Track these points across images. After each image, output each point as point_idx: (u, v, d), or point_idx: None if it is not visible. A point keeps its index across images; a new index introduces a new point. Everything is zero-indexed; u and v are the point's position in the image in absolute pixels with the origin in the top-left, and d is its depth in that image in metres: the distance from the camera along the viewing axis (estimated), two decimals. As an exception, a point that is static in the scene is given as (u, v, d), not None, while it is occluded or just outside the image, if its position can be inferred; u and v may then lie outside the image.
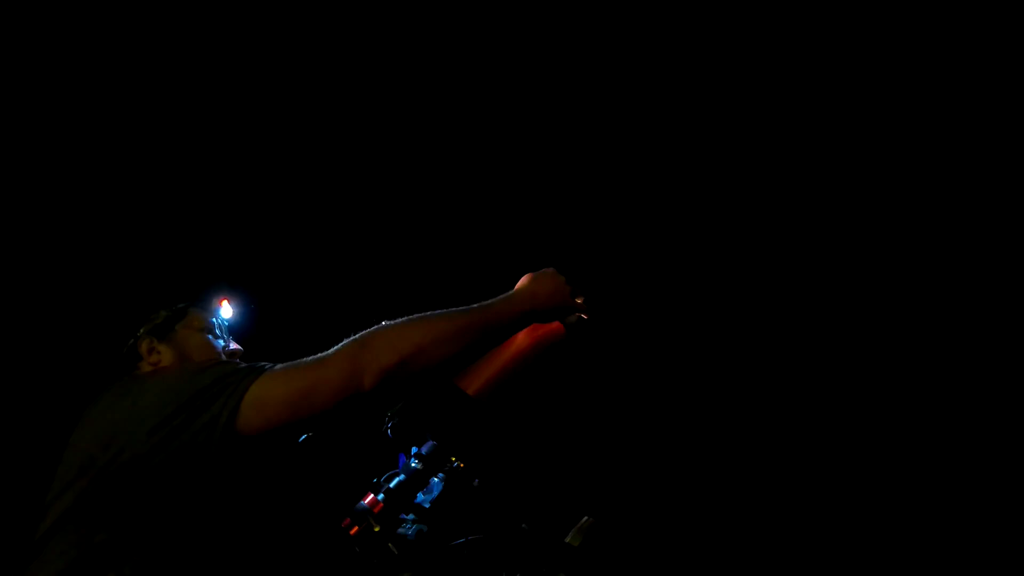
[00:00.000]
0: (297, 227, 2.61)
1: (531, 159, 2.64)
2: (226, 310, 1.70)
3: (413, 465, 1.41)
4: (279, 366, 1.34)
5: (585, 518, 1.43)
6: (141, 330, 1.60)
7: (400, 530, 1.37)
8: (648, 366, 2.56)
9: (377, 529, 1.34)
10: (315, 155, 2.65)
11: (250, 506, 1.56)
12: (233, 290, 1.71)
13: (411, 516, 1.39)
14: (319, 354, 1.33)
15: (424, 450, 1.42)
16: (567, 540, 1.40)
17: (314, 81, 2.61)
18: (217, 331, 1.64)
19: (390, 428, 1.46)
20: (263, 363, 1.37)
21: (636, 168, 2.64)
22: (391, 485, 1.38)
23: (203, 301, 1.67)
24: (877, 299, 2.50)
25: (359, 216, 2.61)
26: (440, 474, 1.42)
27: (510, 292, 1.46)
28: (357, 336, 1.34)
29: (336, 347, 1.33)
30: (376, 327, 1.35)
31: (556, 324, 1.53)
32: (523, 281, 1.49)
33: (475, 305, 1.40)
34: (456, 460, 1.41)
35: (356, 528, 1.34)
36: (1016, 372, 2.36)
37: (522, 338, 1.52)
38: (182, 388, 1.33)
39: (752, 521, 2.45)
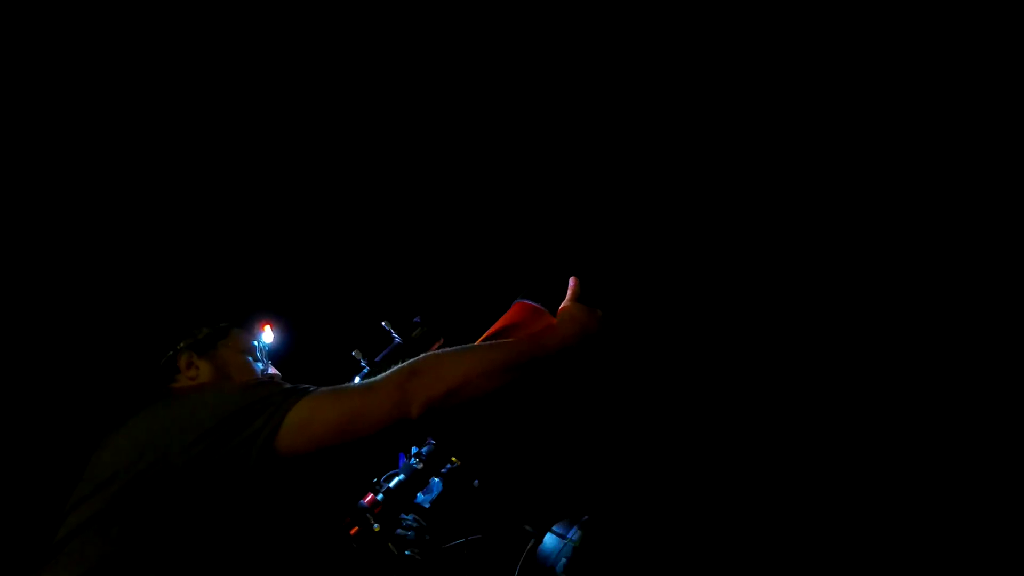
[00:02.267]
0: (341, 256, 2.60)
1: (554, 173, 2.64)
2: (268, 334, 1.70)
3: (413, 465, 1.41)
4: (324, 389, 1.34)
5: (586, 518, 1.43)
6: (181, 343, 1.60)
7: (400, 530, 1.37)
8: (648, 366, 2.56)
9: (377, 529, 1.34)
10: (363, 190, 2.65)
11: (264, 511, 1.57)
12: (275, 315, 1.71)
13: (411, 516, 1.39)
14: (367, 380, 1.33)
15: (424, 450, 1.42)
16: (567, 540, 1.40)
17: (368, 113, 2.62)
18: (257, 354, 1.65)
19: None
20: (307, 385, 1.36)
21: (634, 169, 2.64)
22: (391, 485, 1.39)
23: (246, 323, 1.68)
24: (877, 300, 2.50)
25: (405, 250, 2.59)
26: (440, 474, 1.42)
27: (559, 328, 1.44)
28: (407, 363, 1.33)
29: (385, 374, 1.32)
30: (426, 355, 1.34)
31: (552, 320, 1.54)
32: (573, 314, 1.46)
33: (525, 338, 1.40)
34: (456, 460, 1.41)
35: (356, 528, 1.34)
36: (1016, 372, 2.36)
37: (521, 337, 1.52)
38: (225, 403, 1.33)
39: (752, 521, 2.45)
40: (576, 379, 2.39)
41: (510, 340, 1.41)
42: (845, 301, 2.53)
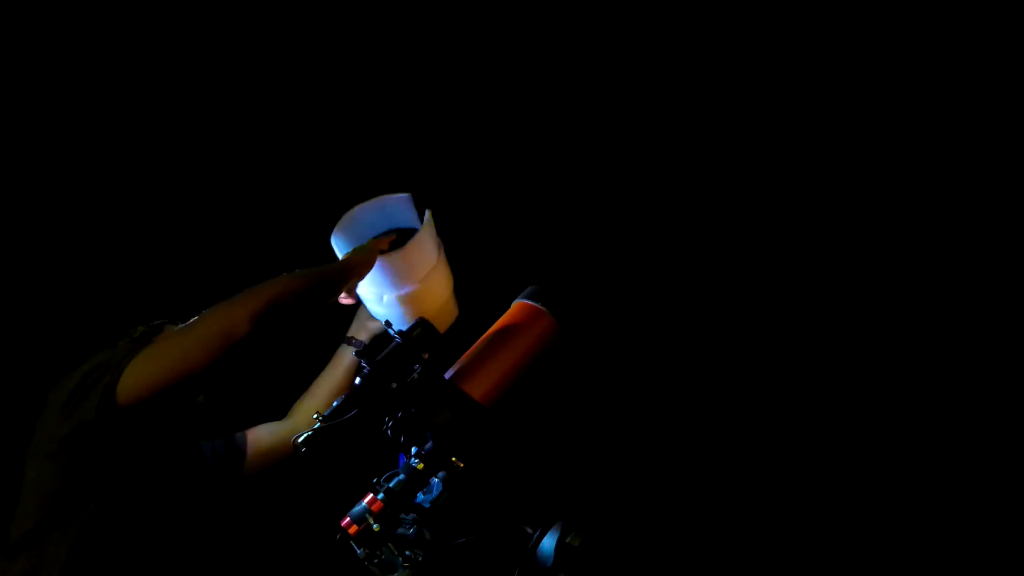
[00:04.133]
0: (279, 246, 2.59)
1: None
2: None
3: (413, 465, 1.41)
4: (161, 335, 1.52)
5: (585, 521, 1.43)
6: (120, 343, 1.63)
7: (400, 530, 1.37)
8: (648, 366, 2.56)
9: (377, 529, 1.33)
10: (304, 174, 2.64)
11: (246, 503, 1.58)
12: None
13: (411, 516, 1.39)
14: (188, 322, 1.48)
15: (424, 450, 1.42)
16: (567, 540, 1.40)
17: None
18: None
19: (390, 428, 1.46)
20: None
21: (632, 168, 2.64)
22: (391, 485, 1.38)
23: (181, 320, 1.70)
24: (877, 301, 2.50)
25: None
26: (440, 474, 1.42)
27: (340, 262, 1.63)
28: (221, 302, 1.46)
29: (205, 312, 1.46)
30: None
31: (552, 321, 1.54)
32: (357, 249, 1.66)
33: (317, 269, 1.58)
34: (456, 460, 1.41)
35: (356, 528, 1.34)
36: (1016, 372, 2.36)
37: (524, 339, 1.52)
38: (88, 365, 1.44)
39: (752, 521, 2.45)
40: (576, 379, 2.39)
41: (310, 269, 1.56)
42: (842, 302, 2.53)
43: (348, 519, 1.35)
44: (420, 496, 1.41)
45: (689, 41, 2.57)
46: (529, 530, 1.41)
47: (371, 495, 1.37)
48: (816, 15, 2.48)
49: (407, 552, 1.35)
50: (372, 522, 1.33)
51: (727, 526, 2.45)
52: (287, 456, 1.80)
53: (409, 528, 1.37)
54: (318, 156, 2.66)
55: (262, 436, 1.83)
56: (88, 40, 2.49)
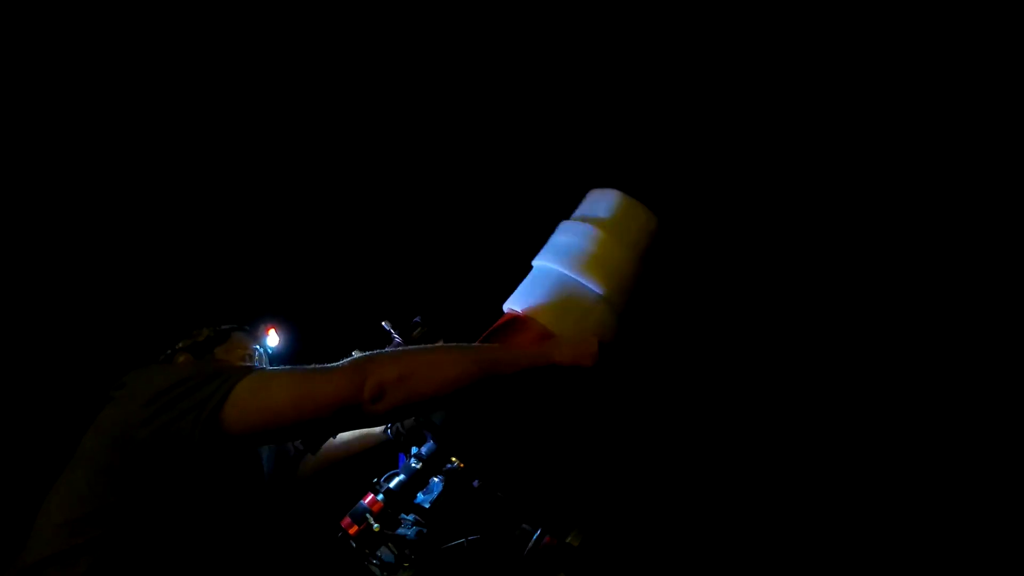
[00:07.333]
0: (342, 257, 2.59)
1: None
2: (272, 338, 1.68)
3: (413, 465, 1.41)
4: (280, 367, 1.32)
5: (584, 522, 1.43)
6: (180, 344, 1.59)
7: (400, 530, 1.37)
8: (647, 366, 2.56)
9: (377, 529, 1.34)
10: (371, 192, 2.64)
11: (249, 504, 1.57)
12: (282, 319, 1.69)
13: (411, 516, 1.39)
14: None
15: (424, 450, 1.42)
16: (567, 540, 1.40)
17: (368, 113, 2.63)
18: (256, 358, 1.62)
19: (390, 428, 1.46)
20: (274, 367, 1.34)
21: (634, 169, 2.64)
22: (391, 485, 1.38)
23: (251, 326, 1.66)
24: (877, 301, 2.50)
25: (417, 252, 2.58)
26: (440, 474, 1.42)
27: (545, 347, 1.40)
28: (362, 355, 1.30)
29: (347, 359, 1.29)
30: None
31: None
32: (575, 341, 1.43)
33: (501, 347, 1.38)
34: (456, 460, 1.41)
35: (356, 528, 1.34)
36: (1016, 372, 2.36)
37: (523, 338, 1.52)
38: (182, 370, 1.34)
39: (752, 521, 2.45)
40: (576, 380, 2.39)
41: (487, 345, 1.37)
42: (841, 300, 2.53)
43: (348, 519, 1.36)
44: (420, 496, 1.41)
45: (687, 41, 2.57)
46: (527, 528, 1.42)
47: (371, 495, 1.37)
48: (816, 15, 2.48)
49: (407, 552, 1.35)
50: (372, 522, 1.34)
51: (727, 526, 2.45)
52: (350, 452, 1.69)
53: (409, 528, 1.38)
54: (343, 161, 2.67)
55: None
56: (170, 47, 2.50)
